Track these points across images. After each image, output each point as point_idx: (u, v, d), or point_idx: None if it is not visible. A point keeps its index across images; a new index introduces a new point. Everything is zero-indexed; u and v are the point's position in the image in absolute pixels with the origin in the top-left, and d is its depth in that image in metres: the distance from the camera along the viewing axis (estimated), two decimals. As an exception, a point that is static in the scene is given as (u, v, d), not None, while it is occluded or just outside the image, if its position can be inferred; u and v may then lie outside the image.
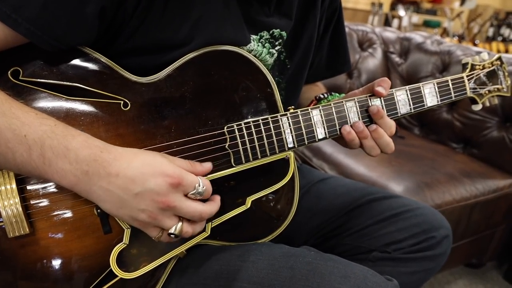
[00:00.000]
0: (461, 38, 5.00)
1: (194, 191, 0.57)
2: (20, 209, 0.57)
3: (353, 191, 0.98)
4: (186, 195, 0.57)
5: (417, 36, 2.11)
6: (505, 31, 5.50)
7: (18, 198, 0.57)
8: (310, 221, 0.95)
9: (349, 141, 0.73)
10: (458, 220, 1.45)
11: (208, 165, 0.63)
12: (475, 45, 4.66)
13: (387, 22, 5.13)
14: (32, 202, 0.59)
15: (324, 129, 0.72)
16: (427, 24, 5.67)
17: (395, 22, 5.15)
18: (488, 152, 1.71)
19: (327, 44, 0.97)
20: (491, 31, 5.53)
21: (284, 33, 0.79)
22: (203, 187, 0.58)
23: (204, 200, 0.60)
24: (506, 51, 4.94)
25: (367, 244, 0.90)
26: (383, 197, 0.95)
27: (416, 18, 5.50)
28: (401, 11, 5.02)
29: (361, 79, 2.01)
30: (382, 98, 0.76)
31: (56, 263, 0.60)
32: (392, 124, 0.74)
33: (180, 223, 0.57)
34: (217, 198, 0.63)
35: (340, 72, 1.04)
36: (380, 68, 2.06)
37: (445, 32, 5.10)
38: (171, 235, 0.57)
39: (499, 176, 1.58)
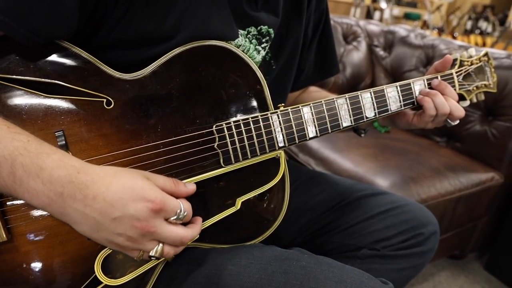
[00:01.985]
0: (440, 31, 5.06)
1: (175, 217, 0.54)
2: (-4, 213, 0.54)
3: (342, 188, 0.97)
4: (166, 219, 0.54)
5: (401, 30, 2.11)
6: (483, 24, 5.59)
7: (-7, 201, 0.54)
8: (299, 219, 0.94)
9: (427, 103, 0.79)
10: (443, 214, 1.46)
11: (192, 187, 0.59)
12: (454, 38, 4.72)
13: (368, 14, 5.14)
14: (9, 207, 0.56)
15: (315, 127, 0.71)
16: (407, 17, 5.72)
17: (377, 14, 5.17)
18: (471, 146, 1.73)
19: (314, 47, 0.95)
20: (469, 24, 5.62)
21: (271, 31, 0.77)
22: (184, 213, 0.55)
23: (186, 223, 0.58)
24: (484, 44, 5.03)
25: (355, 241, 0.89)
26: (371, 194, 0.95)
27: (397, 11, 5.54)
28: (383, 3, 5.04)
29: (346, 72, 2.00)
30: (373, 93, 0.75)
31: (37, 270, 0.57)
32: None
33: (160, 245, 0.54)
34: (199, 220, 0.61)
35: (329, 76, 1.02)
36: (365, 61, 2.05)
37: (425, 25, 5.15)
38: (152, 258, 0.55)
39: (481, 170, 1.60)
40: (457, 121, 0.84)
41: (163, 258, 0.59)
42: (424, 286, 1.73)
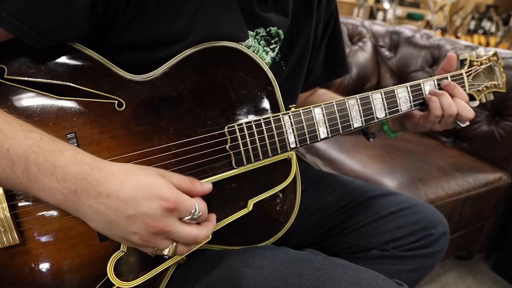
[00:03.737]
0: (443, 31, 5.05)
1: (189, 217, 0.54)
2: (9, 215, 0.54)
3: (351, 188, 0.97)
4: (180, 219, 0.54)
5: (407, 30, 2.10)
6: (486, 24, 5.57)
7: (6, 204, 0.54)
8: (308, 220, 0.94)
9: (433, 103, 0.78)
10: (450, 215, 1.45)
11: (208, 186, 0.58)
12: (457, 38, 4.71)
13: (371, 15, 5.13)
14: (21, 210, 0.55)
15: (326, 128, 0.70)
16: (410, 17, 5.71)
17: (380, 14, 5.16)
18: (478, 146, 1.72)
19: (324, 48, 0.95)
20: (472, 24, 5.60)
21: (281, 32, 0.77)
22: (199, 213, 0.54)
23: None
24: (487, 44, 5.01)
25: (365, 242, 0.89)
26: (380, 195, 0.94)
27: (400, 11, 5.52)
28: (386, 4, 5.03)
29: (352, 73, 1.99)
30: (383, 94, 0.75)
31: (49, 273, 0.57)
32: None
33: (174, 244, 0.54)
34: (213, 218, 0.60)
35: (338, 76, 1.01)
36: (370, 62, 2.05)
37: (428, 25, 5.14)
38: (165, 256, 0.54)
39: (488, 170, 1.60)
40: (467, 123, 0.82)
41: (176, 257, 0.59)
42: (432, 286, 1.73)
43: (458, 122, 0.82)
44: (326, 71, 0.98)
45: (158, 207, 0.50)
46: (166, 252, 0.54)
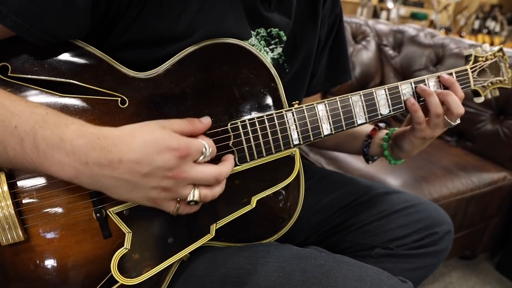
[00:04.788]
0: (448, 30, 5.03)
1: (202, 157, 0.54)
2: (13, 212, 0.54)
3: (354, 187, 0.96)
4: (195, 161, 0.54)
5: (410, 29, 2.10)
6: (490, 24, 5.55)
7: (10, 201, 0.54)
8: (311, 218, 0.94)
9: (414, 112, 0.76)
10: (454, 214, 1.45)
11: (207, 120, 0.59)
12: (461, 37, 4.69)
13: (375, 14, 5.12)
14: (25, 207, 0.56)
15: (330, 125, 0.70)
16: (414, 17, 5.69)
17: (383, 14, 5.15)
18: (482, 145, 1.71)
19: (327, 52, 0.94)
20: (476, 24, 5.58)
21: (282, 33, 0.77)
22: (209, 149, 0.55)
23: (216, 161, 0.58)
24: (492, 44, 4.99)
25: (369, 240, 0.89)
26: (384, 193, 0.94)
27: (404, 10, 5.51)
28: (390, 3, 5.02)
29: (355, 72, 1.99)
30: (387, 90, 0.74)
31: (54, 270, 0.57)
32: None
33: (197, 189, 0.54)
34: (230, 157, 0.60)
35: (340, 82, 0.99)
36: (374, 61, 2.04)
37: (432, 25, 5.13)
38: (191, 203, 0.54)
39: (493, 169, 1.59)
40: (458, 121, 0.78)
41: (180, 253, 0.59)
42: (435, 286, 1.72)
43: (449, 121, 0.78)
44: (328, 77, 0.96)
45: (172, 157, 0.51)
46: (190, 197, 0.54)
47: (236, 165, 0.64)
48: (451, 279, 1.77)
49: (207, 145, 0.55)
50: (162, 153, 0.50)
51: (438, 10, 5.10)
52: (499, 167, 1.62)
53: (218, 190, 0.57)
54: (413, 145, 0.82)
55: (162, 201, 0.54)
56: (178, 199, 0.54)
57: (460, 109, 0.76)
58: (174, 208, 0.55)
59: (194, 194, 0.54)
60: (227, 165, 0.58)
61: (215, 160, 0.62)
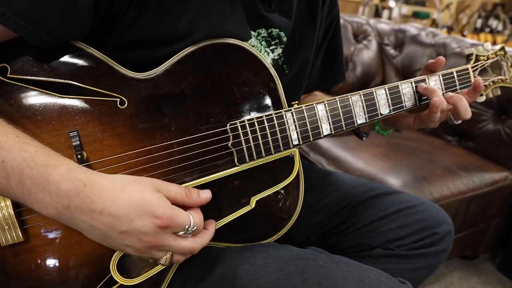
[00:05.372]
0: (450, 29, 5.02)
1: (183, 232, 0.54)
2: (12, 213, 0.54)
3: (355, 187, 0.96)
4: (175, 233, 0.54)
5: (412, 28, 2.09)
6: (493, 23, 5.53)
7: (10, 201, 0.54)
8: (311, 218, 0.94)
9: (429, 94, 0.75)
10: (455, 214, 1.45)
11: (205, 195, 0.58)
12: (463, 36, 4.68)
13: (377, 13, 5.11)
14: (25, 208, 0.56)
15: (330, 125, 0.70)
16: (416, 15, 5.67)
17: (385, 13, 5.14)
18: (484, 145, 1.71)
19: (322, 53, 0.94)
20: (479, 23, 5.56)
21: (282, 34, 0.77)
22: (193, 228, 0.54)
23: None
24: (494, 42, 4.98)
25: (369, 241, 0.89)
26: (385, 193, 0.94)
27: (406, 9, 5.49)
28: (391, 2, 5.00)
29: (356, 71, 1.98)
30: (387, 90, 0.74)
31: (53, 270, 0.57)
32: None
33: (169, 254, 0.55)
34: (211, 226, 0.60)
35: (334, 83, 0.99)
36: (375, 60, 2.04)
37: (434, 24, 5.11)
38: (162, 265, 0.55)
39: (494, 169, 1.58)
40: (460, 121, 0.80)
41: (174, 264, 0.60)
42: (436, 286, 1.72)
43: (452, 119, 0.80)
44: (322, 78, 0.97)
45: (151, 225, 0.51)
46: (162, 261, 0.55)
47: (235, 165, 0.64)
48: (452, 279, 1.77)
49: (193, 223, 0.54)
50: (143, 217, 0.51)
51: (440, 9, 5.08)
52: (500, 167, 1.61)
53: (190, 255, 0.58)
54: (410, 128, 0.84)
55: (135, 255, 0.55)
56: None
57: (467, 114, 0.77)
58: (149, 260, 0.57)
59: (166, 259, 0.55)
60: (206, 237, 0.58)
61: (216, 164, 0.62)
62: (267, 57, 0.77)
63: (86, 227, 0.51)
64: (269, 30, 0.75)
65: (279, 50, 0.79)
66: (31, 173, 0.49)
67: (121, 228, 0.51)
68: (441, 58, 0.81)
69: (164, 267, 0.60)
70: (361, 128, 0.92)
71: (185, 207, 0.56)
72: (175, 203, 0.54)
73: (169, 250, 0.54)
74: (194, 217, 0.55)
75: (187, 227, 0.54)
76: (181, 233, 0.54)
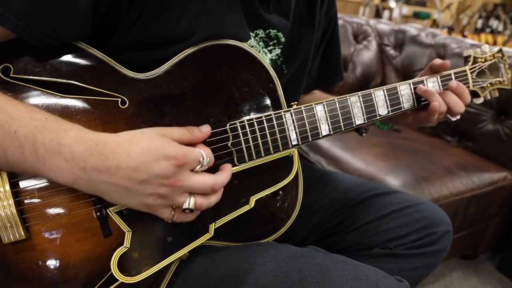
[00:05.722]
0: (450, 29, 5.02)
1: (199, 166, 0.55)
2: (15, 211, 0.54)
3: (354, 187, 0.97)
4: (192, 170, 0.55)
5: (412, 29, 2.10)
6: (493, 23, 5.53)
7: (12, 200, 0.55)
8: (311, 218, 0.94)
9: (429, 96, 0.77)
10: (455, 214, 1.45)
11: (206, 129, 0.60)
12: (464, 36, 4.68)
13: (377, 14, 5.11)
14: (27, 206, 0.56)
15: (328, 125, 0.71)
16: (417, 16, 5.67)
17: (386, 13, 5.14)
18: (483, 145, 1.71)
19: (320, 53, 0.95)
20: (479, 23, 5.56)
21: (280, 35, 0.78)
22: (207, 159, 0.56)
23: (213, 171, 0.59)
24: (495, 43, 4.98)
25: (368, 240, 0.89)
26: (383, 193, 0.95)
27: (406, 10, 5.49)
28: (392, 2, 5.01)
29: (356, 72, 1.99)
30: (386, 91, 0.75)
31: (54, 268, 0.58)
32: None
33: (192, 197, 0.55)
34: (228, 167, 0.61)
35: (332, 83, 1.01)
36: (375, 60, 2.04)
37: (434, 24, 5.11)
38: (186, 211, 0.55)
39: (494, 169, 1.59)
40: (458, 117, 0.82)
41: (179, 252, 0.60)
42: (436, 286, 1.72)
43: (449, 116, 0.81)
44: (320, 77, 0.98)
45: (169, 166, 0.52)
46: (186, 205, 0.55)
47: (234, 165, 0.65)
48: (451, 279, 1.77)
49: (205, 155, 0.56)
50: (159, 161, 0.51)
51: (441, 9, 5.09)
52: (499, 167, 1.62)
53: (214, 199, 0.58)
54: (408, 125, 0.86)
55: (158, 208, 0.55)
56: (173, 206, 0.56)
57: (460, 108, 0.79)
58: (169, 215, 0.56)
59: (190, 202, 0.55)
60: (224, 175, 0.59)
61: (216, 164, 0.63)
62: (265, 58, 0.78)
63: (106, 186, 0.51)
64: (267, 31, 0.76)
65: (277, 51, 0.80)
66: (44, 139, 0.50)
67: (141, 177, 0.51)
68: (447, 62, 0.81)
69: (170, 260, 0.61)
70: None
71: (191, 145, 0.57)
72: (181, 143, 0.55)
73: (190, 188, 0.54)
74: (204, 150, 0.56)
75: (201, 159, 0.55)
76: (197, 167, 0.55)
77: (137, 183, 0.51)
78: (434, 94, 0.77)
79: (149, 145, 0.52)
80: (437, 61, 0.82)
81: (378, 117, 0.75)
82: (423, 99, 0.79)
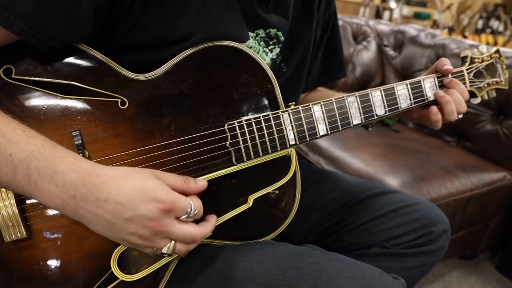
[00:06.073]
0: (451, 30, 5.02)
1: (185, 216, 0.56)
2: (16, 211, 0.55)
3: (352, 186, 0.97)
4: (177, 218, 0.56)
5: (411, 29, 2.10)
6: (494, 23, 5.53)
7: (14, 200, 0.56)
8: (309, 217, 0.95)
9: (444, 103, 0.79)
10: (453, 213, 1.46)
11: (202, 183, 0.60)
12: (464, 37, 4.68)
13: (378, 14, 5.12)
14: (28, 205, 0.57)
15: (326, 125, 0.71)
16: (417, 16, 5.68)
17: (386, 14, 5.15)
18: (482, 145, 1.72)
19: (322, 51, 0.96)
20: (480, 23, 5.56)
21: (280, 34, 0.79)
22: (194, 211, 0.56)
23: (198, 220, 0.59)
24: (495, 43, 4.98)
25: (366, 239, 0.90)
26: (381, 193, 0.95)
27: (407, 10, 5.50)
28: (392, 3, 5.01)
29: (356, 72, 2.00)
30: (383, 91, 0.76)
31: (55, 266, 0.59)
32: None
33: (172, 242, 0.56)
34: (212, 219, 0.62)
35: (335, 79, 1.02)
36: (375, 61, 2.05)
37: (435, 24, 5.12)
38: (164, 255, 0.56)
39: (492, 169, 1.59)
40: (460, 115, 0.83)
41: (175, 255, 0.61)
42: (435, 286, 1.73)
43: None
44: (323, 74, 0.99)
45: (155, 209, 0.52)
46: (165, 250, 0.56)
47: (233, 164, 0.65)
48: (451, 279, 1.78)
49: (194, 207, 0.56)
50: (147, 202, 0.52)
51: (441, 9, 5.09)
52: (498, 167, 1.62)
53: (193, 246, 0.59)
54: (412, 120, 0.88)
55: (138, 246, 0.56)
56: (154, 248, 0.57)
57: (462, 108, 0.81)
58: (151, 252, 0.57)
59: (169, 247, 0.56)
60: (207, 227, 0.60)
61: (214, 163, 0.64)
62: (266, 57, 0.79)
63: (91, 216, 0.52)
64: (267, 31, 0.76)
65: (277, 50, 0.80)
66: (38, 164, 0.51)
67: (126, 215, 0.52)
68: (451, 69, 0.83)
69: (167, 258, 0.62)
70: None
71: (184, 194, 0.57)
72: (174, 189, 0.56)
73: (172, 236, 0.55)
74: (194, 202, 0.57)
75: (188, 210, 0.55)
76: (183, 217, 0.55)
77: (121, 219, 0.52)
78: (450, 102, 0.79)
79: (141, 185, 0.53)
80: (444, 61, 0.84)
81: (376, 117, 0.76)
82: (419, 100, 0.80)
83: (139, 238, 0.54)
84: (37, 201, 0.57)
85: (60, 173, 0.51)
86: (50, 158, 0.51)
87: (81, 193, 0.51)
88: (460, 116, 0.83)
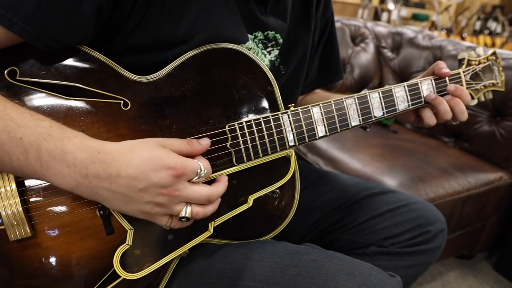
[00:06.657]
0: (449, 31, 5.04)
1: (197, 177, 0.57)
2: (21, 210, 0.56)
3: (350, 186, 0.99)
4: (189, 181, 0.57)
5: (409, 31, 2.12)
6: (492, 25, 5.55)
7: (18, 199, 0.57)
8: (308, 217, 0.96)
9: (437, 104, 0.80)
10: (450, 213, 1.47)
11: (205, 142, 0.62)
12: (462, 38, 4.70)
13: (376, 16, 5.14)
14: (32, 205, 0.58)
15: (325, 127, 0.73)
16: (415, 18, 5.70)
17: (385, 15, 5.17)
18: (479, 146, 1.73)
19: (319, 53, 0.97)
20: (478, 25, 5.58)
21: (278, 36, 0.80)
22: (204, 171, 0.58)
23: (211, 182, 0.61)
24: (493, 45, 4.99)
25: (364, 239, 0.91)
26: (379, 192, 0.96)
27: (405, 12, 5.52)
28: (390, 5, 5.03)
29: (354, 74, 2.01)
30: (381, 93, 0.77)
31: (58, 265, 0.60)
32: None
33: (189, 206, 0.57)
34: (224, 178, 0.63)
35: (332, 82, 1.03)
36: (373, 63, 2.06)
37: (433, 26, 5.14)
38: (183, 219, 0.57)
39: (489, 170, 1.61)
40: (458, 122, 0.85)
41: (180, 249, 0.62)
42: (433, 285, 1.74)
43: (451, 121, 0.84)
44: (320, 76, 1.00)
45: (167, 176, 0.54)
46: (182, 213, 0.57)
47: (233, 165, 0.66)
48: (448, 278, 1.79)
49: (203, 167, 0.58)
50: (159, 170, 0.53)
51: (440, 11, 5.11)
52: (495, 167, 1.64)
53: (210, 208, 0.60)
54: (409, 122, 0.89)
55: (155, 215, 0.57)
56: (170, 215, 0.58)
57: (463, 118, 0.82)
58: (167, 222, 0.58)
59: (186, 211, 0.57)
60: (220, 186, 0.61)
61: (215, 164, 0.65)
62: (264, 59, 0.80)
63: (106, 193, 0.53)
64: (265, 33, 0.77)
65: (276, 52, 0.81)
66: (48, 146, 0.52)
67: (139, 186, 0.53)
68: (448, 72, 0.84)
69: (167, 258, 0.63)
70: None
71: (190, 156, 0.59)
72: (180, 154, 0.57)
73: (187, 198, 0.57)
74: (202, 162, 0.58)
75: (198, 170, 0.57)
76: (195, 178, 0.57)
77: (136, 191, 0.53)
78: (443, 102, 0.80)
79: (149, 155, 0.54)
80: (441, 64, 0.84)
81: (374, 119, 0.77)
82: (417, 102, 0.81)
83: (156, 205, 0.55)
84: (42, 199, 0.58)
85: (70, 153, 0.52)
86: (59, 139, 0.52)
87: (93, 171, 0.52)
88: (459, 122, 0.84)
